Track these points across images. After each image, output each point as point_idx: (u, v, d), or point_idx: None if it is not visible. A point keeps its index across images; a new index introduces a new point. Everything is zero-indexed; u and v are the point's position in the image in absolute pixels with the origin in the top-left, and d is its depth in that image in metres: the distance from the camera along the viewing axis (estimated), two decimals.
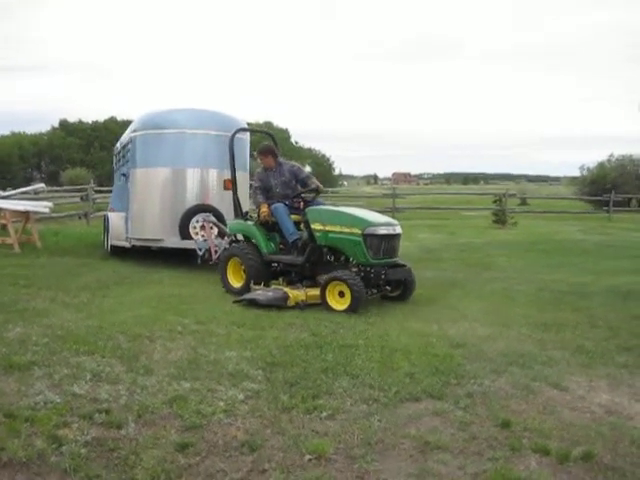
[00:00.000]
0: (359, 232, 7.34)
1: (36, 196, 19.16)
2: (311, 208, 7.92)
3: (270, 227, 8.31)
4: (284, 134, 70.60)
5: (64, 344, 5.27)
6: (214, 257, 9.64)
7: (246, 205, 9.94)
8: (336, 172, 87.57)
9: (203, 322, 6.31)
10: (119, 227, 11.84)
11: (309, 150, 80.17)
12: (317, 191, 8.35)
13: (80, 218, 21.29)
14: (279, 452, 3.39)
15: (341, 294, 7.11)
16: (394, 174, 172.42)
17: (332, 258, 7.97)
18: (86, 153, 60.98)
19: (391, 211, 24.44)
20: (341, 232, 7.48)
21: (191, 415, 3.82)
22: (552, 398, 4.32)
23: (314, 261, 7.84)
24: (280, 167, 8.59)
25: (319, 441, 3.50)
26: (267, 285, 7.81)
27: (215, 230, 10.21)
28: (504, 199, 24.45)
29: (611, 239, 17.39)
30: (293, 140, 77.31)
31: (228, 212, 10.12)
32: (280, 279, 8.11)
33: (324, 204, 8.41)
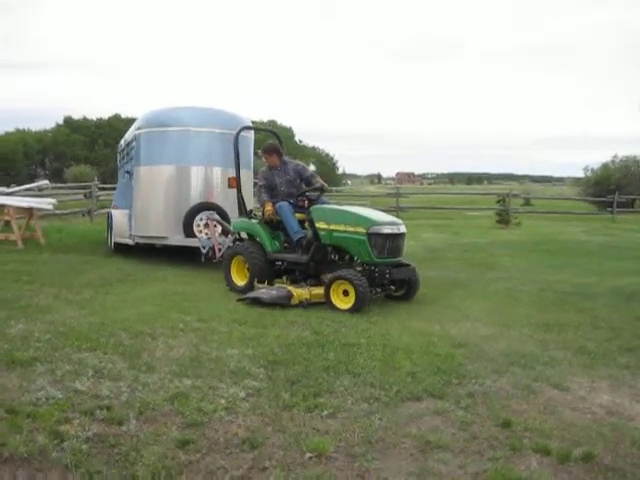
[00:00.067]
0: (364, 231, 7.33)
1: (40, 193, 19.24)
2: (315, 207, 7.91)
3: (274, 225, 8.31)
4: (288, 133, 70.58)
5: (66, 340, 5.28)
6: (218, 255, 9.65)
7: (250, 203, 9.95)
8: (340, 171, 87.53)
9: (205, 320, 6.32)
10: (123, 224, 11.86)
11: (313, 149, 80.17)
12: (322, 190, 8.34)
13: (84, 215, 21.34)
14: (280, 450, 3.40)
15: (345, 293, 7.11)
16: (398, 174, 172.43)
17: (336, 257, 7.95)
18: (90, 150, 61.04)
19: (395, 210, 24.44)
20: (345, 231, 7.47)
21: (192, 412, 3.83)
22: (553, 398, 4.32)
23: (318, 260, 7.84)
24: (285, 166, 8.60)
25: (320, 439, 3.50)
26: (271, 284, 7.81)
27: (219, 228, 10.21)
28: (507, 199, 24.46)
29: (615, 240, 17.36)
30: (297, 139, 77.30)
31: (232, 210, 10.13)
32: (284, 278, 8.11)
33: (328, 203, 8.40)
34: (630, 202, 31.74)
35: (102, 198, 23.15)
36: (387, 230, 7.46)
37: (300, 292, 7.28)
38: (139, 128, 11.37)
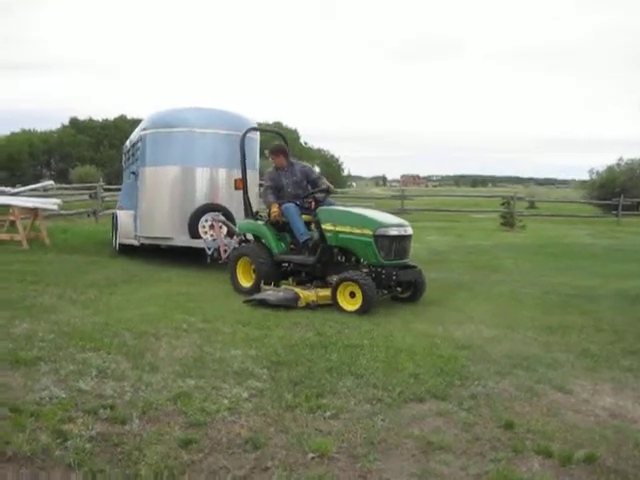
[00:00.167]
0: (370, 233, 7.33)
1: (45, 193, 19.27)
2: (322, 208, 7.91)
3: (280, 227, 8.30)
4: (293, 134, 70.53)
5: (70, 340, 5.29)
6: (223, 256, 9.65)
7: (255, 205, 9.95)
8: (345, 173, 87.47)
9: (209, 320, 6.33)
10: (128, 225, 11.88)
11: (318, 150, 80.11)
12: (328, 191, 8.34)
13: (89, 216, 21.36)
14: (282, 450, 3.41)
15: (352, 295, 7.11)
16: (403, 176, 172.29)
17: (343, 259, 7.95)
18: (96, 151, 61.08)
19: (399, 213, 24.43)
20: (352, 233, 7.47)
21: (195, 412, 3.84)
22: (556, 401, 4.32)
23: (325, 261, 7.83)
24: (292, 167, 8.60)
25: (322, 440, 3.51)
26: (277, 285, 7.81)
27: (224, 229, 10.21)
28: (512, 202, 24.44)
29: (620, 243, 17.34)
30: (302, 141, 77.26)
31: (237, 211, 10.14)
32: (290, 279, 8.11)
33: (335, 204, 8.40)
34: (635, 205, 31.61)
35: (107, 199, 23.18)
36: (394, 232, 7.46)
37: (307, 294, 7.27)
38: (145, 129, 11.39)
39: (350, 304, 7.09)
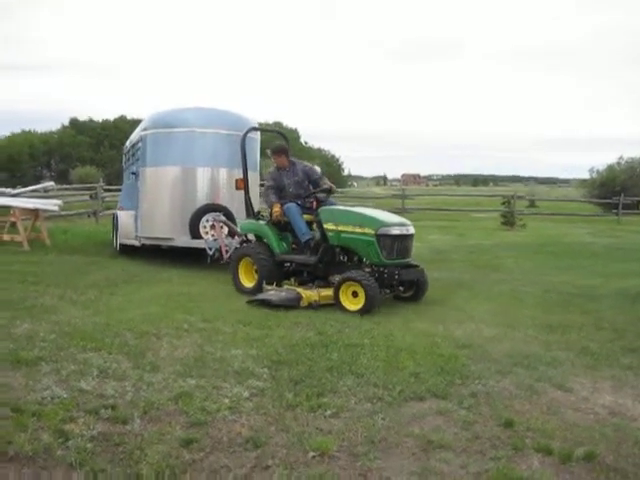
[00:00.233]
0: (372, 232, 7.33)
1: (46, 194, 19.30)
2: (324, 208, 7.91)
3: (282, 227, 8.30)
4: (294, 134, 70.53)
5: (71, 340, 5.31)
6: (225, 257, 9.65)
7: (256, 204, 9.95)
8: (345, 173, 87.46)
9: (210, 320, 6.35)
10: (128, 226, 11.88)
11: (319, 150, 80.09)
12: (330, 191, 8.34)
13: (89, 216, 21.38)
14: (283, 449, 3.42)
15: (355, 294, 7.11)
16: (403, 175, 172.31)
17: (345, 258, 7.95)
18: (96, 152, 61.10)
19: (400, 212, 24.43)
20: (354, 232, 7.47)
21: (196, 412, 3.85)
22: (556, 399, 4.33)
23: (327, 261, 7.83)
24: (294, 167, 8.60)
25: (323, 439, 3.52)
26: (279, 285, 7.81)
27: (225, 229, 10.20)
28: (513, 201, 24.44)
29: (620, 242, 17.34)
30: (302, 140, 77.26)
31: (238, 211, 10.15)
32: (292, 279, 8.11)
33: (337, 204, 8.40)
34: (635, 204, 31.60)
35: (107, 199, 23.20)
36: (396, 231, 7.46)
37: (309, 294, 7.27)
38: (145, 129, 11.40)
39: (353, 304, 7.09)
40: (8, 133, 61.53)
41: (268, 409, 3.97)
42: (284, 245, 8.25)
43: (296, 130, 75.36)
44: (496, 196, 30.93)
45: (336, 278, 7.46)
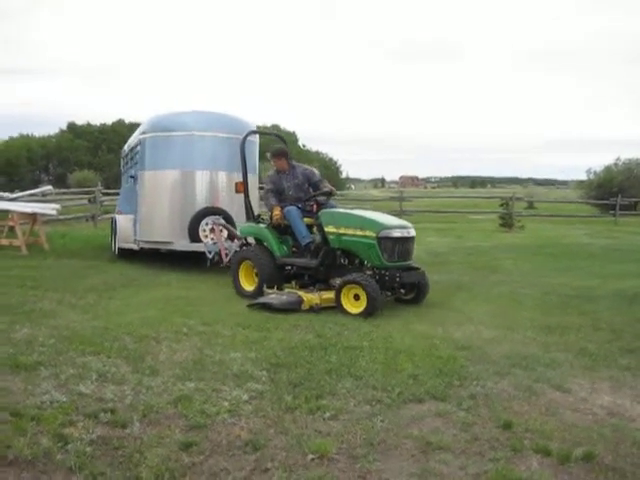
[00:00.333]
0: (373, 235, 7.32)
1: (44, 198, 19.27)
2: (324, 211, 7.90)
3: (282, 230, 8.29)
4: (291, 137, 70.66)
5: (70, 345, 5.31)
6: (225, 260, 9.64)
7: (255, 208, 9.95)
8: (343, 175, 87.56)
9: (209, 323, 6.35)
10: (127, 229, 11.87)
11: (317, 153, 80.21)
12: (330, 194, 8.34)
13: (87, 220, 21.38)
14: (282, 451, 3.43)
15: (356, 297, 7.10)
16: (401, 177, 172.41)
17: (346, 261, 7.95)
18: (94, 156, 61.21)
19: (398, 214, 24.44)
20: (355, 235, 7.46)
21: (195, 415, 3.86)
22: (554, 400, 4.34)
23: (328, 264, 7.82)
24: (293, 170, 8.59)
25: (322, 441, 3.53)
26: (280, 288, 7.80)
27: (225, 233, 10.19)
28: (511, 203, 24.47)
29: (618, 243, 17.35)
30: (301, 143, 77.37)
31: (237, 215, 10.15)
32: (293, 282, 8.12)
33: (337, 207, 8.40)
34: (633, 205, 31.68)
35: (106, 203, 23.18)
36: (397, 234, 7.45)
37: (310, 297, 7.26)
38: (144, 133, 11.39)
39: (354, 307, 7.08)
40: (6, 137, 61.60)
41: (267, 412, 3.98)
42: (284, 248, 8.24)
43: (294, 133, 75.44)
44: (494, 198, 30.97)
45: (337, 281, 7.46)
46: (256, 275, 8.24)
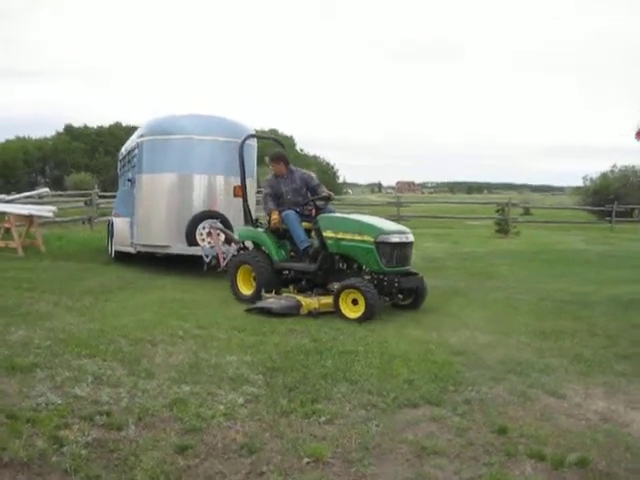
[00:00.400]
0: (372, 240, 7.32)
1: (40, 200, 19.29)
2: (322, 216, 7.90)
3: (280, 234, 8.28)
4: (289, 141, 70.69)
5: (66, 347, 5.32)
6: (222, 264, 9.64)
7: (253, 212, 9.94)
8: (340, 180, 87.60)
9: (205, 327, 6.36)
10: (124, 232, 11.85)
11: (314, 158, 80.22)
12: (328, 199, 8.34)
13: (84, 223, 21.38)
14: (277, 455, 3.43)
15: (355, 302, 7.09)
16: (398, 182, 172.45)
17: (344, 266, 7.93)
18: (91, 158, 61.14)
19: (396, 219, 24.45)
20: (353, 240, 7.46)
21: (191, 418, 3.86)
22: (549, 405, 4.35)
23: (326, 269, 7.81)
24: (292, 174, 8.58)
25: (317, 445, 3.53)
26: (278, 293, 7.80)
27: (222, 237, 10.18)
28: (507, 209, 24.52)
29: (613, 249, 17.40)
30: (298, 148, 77.40)
31: (235, 219, 10.14)
32: (291, 287, 8.11)
33: (335, 212, 8.41)
34: (629, 211, 31.76)
35: (102, 206, 23.19)
36: (395, 239, 7.46)
37: (309, 301, 7.26)
38: (142, 136, 11.38)
39: (353, 312, 7.08)
40: (3, 140, 61.55)
41: (263, 415, 3.98)
42: (283, 253, 8.23)
43: (291, 137, 75.51)
44: (490, 204, 31.00)
45: (335, 286, 7.46)
46: (254, 279, 8.22)
